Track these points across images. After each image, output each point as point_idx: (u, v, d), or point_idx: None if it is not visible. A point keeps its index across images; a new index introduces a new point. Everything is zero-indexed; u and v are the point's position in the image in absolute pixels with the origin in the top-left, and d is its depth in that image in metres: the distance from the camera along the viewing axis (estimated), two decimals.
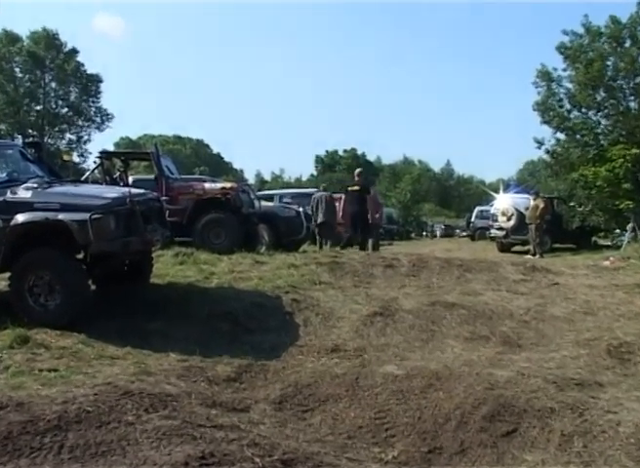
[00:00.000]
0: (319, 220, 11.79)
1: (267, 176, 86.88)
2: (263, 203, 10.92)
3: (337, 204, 12.94)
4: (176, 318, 5.03)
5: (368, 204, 10.26)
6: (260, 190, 22.79)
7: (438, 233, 38.01)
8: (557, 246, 15.87)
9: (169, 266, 6.95)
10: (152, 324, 4.84)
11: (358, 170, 11.27)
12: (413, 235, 36.41)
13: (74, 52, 37.97)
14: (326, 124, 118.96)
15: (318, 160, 79.35)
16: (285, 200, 15.93)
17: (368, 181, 10.47)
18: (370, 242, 11.73)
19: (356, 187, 10.39)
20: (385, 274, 7.23)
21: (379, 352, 4.56)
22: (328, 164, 77.79)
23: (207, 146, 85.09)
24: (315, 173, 79.57)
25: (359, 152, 77.43)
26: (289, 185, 64.67)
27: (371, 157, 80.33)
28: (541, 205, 13.79)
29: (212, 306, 5.35)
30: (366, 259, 7.82)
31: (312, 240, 12.79)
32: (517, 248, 16.25)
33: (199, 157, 77.94)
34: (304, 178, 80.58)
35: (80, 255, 4.88)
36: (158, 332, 4.69)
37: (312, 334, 5.02)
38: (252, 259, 7.57)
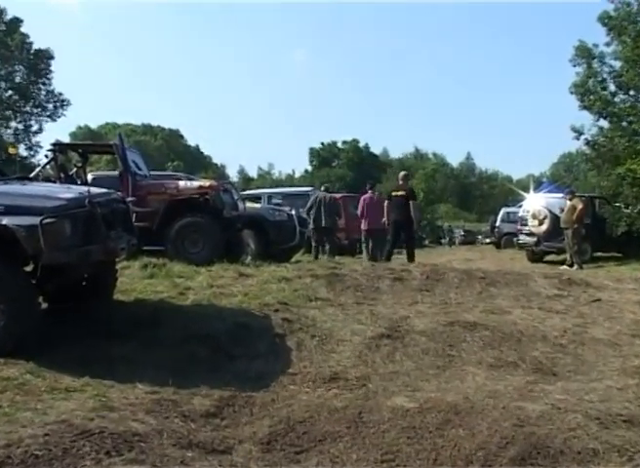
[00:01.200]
0: (322, 225, 11.85)
1: (253, 173, 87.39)
2: (249, 204, 11.07)
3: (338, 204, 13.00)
4: (144, 342, 5.06)
5: (412, 210, 11.03)
6: (244, 190, 22.90)
7: (457, 240, 38.11)
8: (599, 254, 15.94)
9: (136, 280, 6.99)
10: (116, 349, 4.86)
11: (403, 173, 11.94)
12: (427, 242, 36.50)
13: (17, 21, 37.63)
14: (322, 112, 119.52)
15: (313, 153, 79.70)
16: (274, 201, 16.11)
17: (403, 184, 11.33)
18: (369, 250, 11.95)
19: (401, 192, 11.10)
20: (394, 288, 7.30)
21: (386, 381, 4.59)
22: (325, 158, 78.15)
23: (181, 137, 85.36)
24: (310, 168, 79.85)
25: (361, 144, 77.74)
26: (279, 183, 64.96)
27: (376, 149, 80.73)
28: (580, 206, 13.87)
29: (187, 327, 5.38)
30: (371, 271, 7.90)
31: (307, 248, 12.84)
32: (551, 257, 16.33)
33: (172, 150, 78.13)
34: (297, 175, 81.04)
35: (29, 268, 4.89)
36: (123, 359, 4.70)
37: (307, 360, 5.05)
38: (235, 272, 7.63)
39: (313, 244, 12.20)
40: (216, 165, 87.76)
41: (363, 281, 7.45)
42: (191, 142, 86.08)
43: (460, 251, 27.44)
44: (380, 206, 12.28)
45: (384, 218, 11.28)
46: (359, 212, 12.40)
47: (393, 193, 11.23)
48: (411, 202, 10.99)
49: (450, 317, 6.08)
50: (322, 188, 13.53)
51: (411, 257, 10.83)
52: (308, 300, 6.57)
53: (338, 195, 15.74)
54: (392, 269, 8.13)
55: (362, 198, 12.58)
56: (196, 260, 8.19)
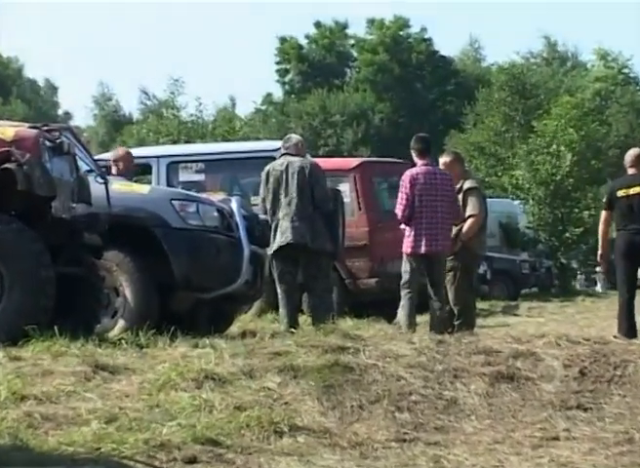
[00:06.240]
0: (282, 241, 11.58)
1: (132, 107, 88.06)
2: (118, 186, 11.25)
3: (342, 189, 13.06)
4: None
5: None
6: (106, 149, 22.79)
7: None
8: None
9: None
10: None
11: (634, 151, 13.31)
12: (578, 284, 37.12)
13: None
14: None
15: (287, 54, 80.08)
16: (186, 177, 16.12)
17: None
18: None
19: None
20: (495, 402, 7.48)
21: None
22: (317, 66, 78.60)
23: None
24: (280, 93, 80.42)
25: (413, 28, 77.53)
26: (198, 132, 65.37)
27: (445, 46, 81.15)
28: None
29: None
30: (435, 356, 7.98)
31: (272, 299, 12.83)
32: None
33: None
34: (243, 112, 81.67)
35: None
36: None
37: None
38: (85, 361, 7.74)
39: (280, 291, 12.00)
40: (33, 83, 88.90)
41: (416, 383, 7.55)
42: None
43: None
44: (452, 195, 12.59)
45: (601, 247, 12.87)
46: (400, 209, 12.34)
47: (621, 192, 12.77)
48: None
49: None
50: (285, 145, 12.79)
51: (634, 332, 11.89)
52: (273, 434, 6.56)
53: (330, 162, 15.77)
54: (490, 351, 8.23)
55: (407, 176, 12.54)
56: None
